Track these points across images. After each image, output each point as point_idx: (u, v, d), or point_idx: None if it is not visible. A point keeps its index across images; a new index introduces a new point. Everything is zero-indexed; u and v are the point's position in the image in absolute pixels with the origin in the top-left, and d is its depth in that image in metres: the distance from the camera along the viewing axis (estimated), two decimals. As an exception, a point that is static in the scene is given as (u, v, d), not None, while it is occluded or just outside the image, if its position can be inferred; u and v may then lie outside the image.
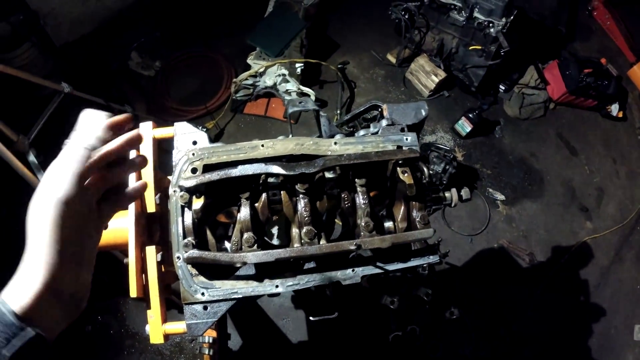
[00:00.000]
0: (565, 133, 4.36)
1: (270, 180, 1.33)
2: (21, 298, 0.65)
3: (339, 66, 4.19)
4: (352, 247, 1.18)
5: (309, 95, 3.75)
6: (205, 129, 1.43)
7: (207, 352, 2.90)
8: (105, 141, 0.83)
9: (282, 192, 1.31)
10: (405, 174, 1.29)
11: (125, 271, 1.43)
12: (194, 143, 1.40)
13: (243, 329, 3.19)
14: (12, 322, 0.60)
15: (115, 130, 0.85)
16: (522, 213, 3.90)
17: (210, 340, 2.94)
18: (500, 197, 3.90)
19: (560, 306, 3.59)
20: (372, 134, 1.43)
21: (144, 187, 0.98)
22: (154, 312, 1.40)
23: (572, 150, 4.28)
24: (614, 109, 4.40)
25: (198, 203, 1.25)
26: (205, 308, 1.29)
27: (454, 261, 3.57)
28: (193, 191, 1.26)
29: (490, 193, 3.91)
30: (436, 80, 4.07)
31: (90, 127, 0.83)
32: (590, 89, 4.21)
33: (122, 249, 1.50)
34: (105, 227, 0.91)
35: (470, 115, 3.89)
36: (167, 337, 1.42)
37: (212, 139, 1.41)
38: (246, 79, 3.73)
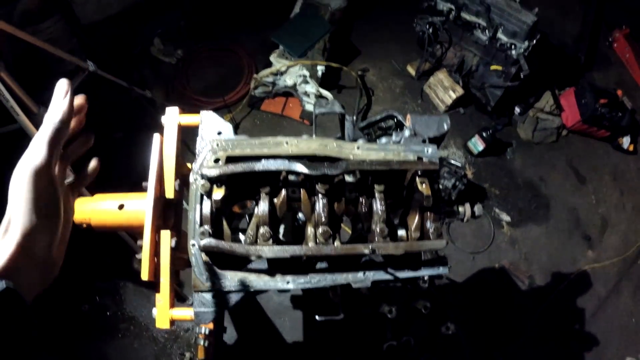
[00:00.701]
0: (575, 161, 4.36)
1: (291, 177, 1.34)
2: None
3: (359, 72, 4.22)
4: (367, 251, 1.20)
5: (327, 99, 3.77)
6: (228, 122, 1.44)
7: (202, 342, 2.91)
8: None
9: (301, 190, 1.33)
10: (424, 185, 1.31)
11: (129, 255, 1.43)
12: (219, 133, 1.42)
13: (239, 324, 3.21)
14: None
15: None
16: (526, 236, 3.90)
17: (207, 332, 2.95)
18: (505, 218, 3.91)
19: (555, 332, 3.59)
20: (394, 142, 1.45)
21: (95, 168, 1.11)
22: (163, 296, 1.41)
23: (581, 179, 4.28)
24: (626, 141, 4.40)
25: (219, 193, 1.27)
26: (214, 297, 1.31)
27: (455, 277, 3.58)
28: (214, 181, 1.28)
29: (497, 213, 3.92)
30: (454, 96, 4.09)
31: (56, 98, 0.87)
32: (604, 120, 4.22)
33: (134, 231, 1.52)
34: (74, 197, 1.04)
35: (484, 135, 3.90)
36: (172, 322, 1.43)
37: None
38: (267, 76, 3.76)
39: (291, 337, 3.24)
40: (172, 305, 1.45)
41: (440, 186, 1.70)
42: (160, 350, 3.19)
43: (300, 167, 1.25)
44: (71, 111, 0.88)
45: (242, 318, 3.23)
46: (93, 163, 1.09)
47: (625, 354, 3.63)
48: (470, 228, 3.81)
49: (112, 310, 3.27)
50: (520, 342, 3.48)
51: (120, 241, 2.71)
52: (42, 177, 0.77)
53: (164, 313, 1.43)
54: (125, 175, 3.36)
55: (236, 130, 3.78)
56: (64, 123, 0.84)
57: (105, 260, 3.31)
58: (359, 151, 1.35)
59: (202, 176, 1.29)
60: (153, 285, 1.41)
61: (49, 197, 0.79)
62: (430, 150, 1.41)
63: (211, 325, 3.02)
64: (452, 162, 3.67)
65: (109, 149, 3.67)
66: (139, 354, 3.18)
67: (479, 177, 4.06)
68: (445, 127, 1.52)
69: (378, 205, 1.32)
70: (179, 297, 3.03)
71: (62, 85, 0.88)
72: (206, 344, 2.92)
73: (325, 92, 3.77)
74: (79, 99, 0.95)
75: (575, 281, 3.80)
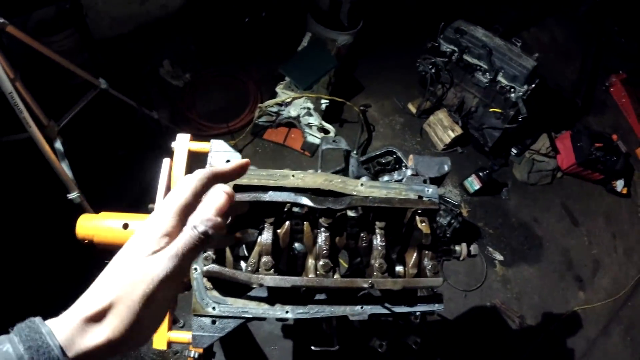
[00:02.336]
0: (569, 203, 4.43)
1: (295, 209, 1.39)
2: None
3: (361, 108, 4.31)
4: (366, 285, 1.24)
5: (328, 132, 3.84)
6: (237, 152, 1.50)
7: (191, 366, 2.90)
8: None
9: (305, 222, 1.38)
10: (424, 224, 1.36)
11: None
12: (227, 162, 1.47)
13: (229, 350, 3.19)
14: (57, 358, 0.55)
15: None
16: (518, 275, 3.94)
17: (196, 356, 2.93)
18: (499, 257, 3.95)
19: (544, 374, 3.60)
20: (396, 180, 1.51)
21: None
22: (163, 318, 1.44)
23: (574, 221, 4.35)
24: (619, 184, 4.49)
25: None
26: (213, 322, 1.33)
27: (446, 314, 3.59)
28: (221, 208, 1.33)
29: (490, 252, 3.96)
30: (452, 135, 4.17)
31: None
32: (599, 163, 4.31)
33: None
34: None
35: (481, 174, 3.98)
36: (169, 344, 1.46)
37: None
38: (272, 106, 3.83)
39: (280, 366, 3.23)
40: (169, 327, 1.48)
41: (436, 224, 1.74)
42: (149, 371, 3.16)
43: (305, 201, 1.30)
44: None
45: (232, 344, 3.21)
46: None
47: (615, 398, 3.63)
48: (464, 266, 3.84)
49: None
50: (509, 383, 3.48)
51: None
52: (170, 288, 0.65)
53: (161, 334, 1.47)
54: (126, 192, 3.42)
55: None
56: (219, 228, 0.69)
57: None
58: (363, 188, 1.40)
59: (210, 203, 1.33)
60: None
61: (163, 305, 0.66)
62: (430, 190, 1.47)
63: (201, 350, 3.01)
64: (449, 200, 3.73)
65: (112, 165, 3.71)
66: (126, 375, 3.15)
67: (474, 215, 4.12)
68: (446, 168, 1.58)
69: (378, 241, 1.36)
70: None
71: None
72: (195, 368, 2.91)
73: (327, 126, 3.84)
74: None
75: (565, 322, 3.82)
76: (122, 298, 0.61)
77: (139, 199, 3.08)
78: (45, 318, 0.61)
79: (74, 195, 2.59)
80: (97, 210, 1.70)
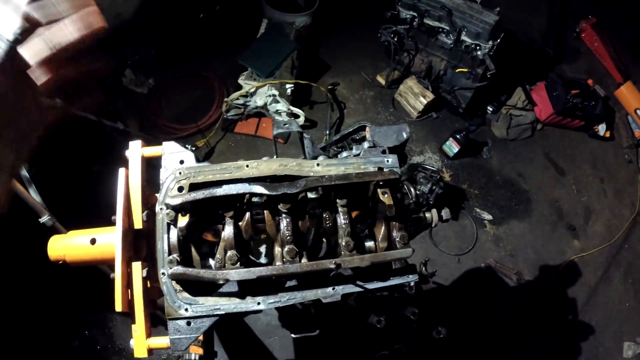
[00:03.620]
0: (552, 153, 4.42)
1: (254, 199, 1.36)
2: None
3: (329, 87, 4.27)
4: (332, 266, 1.22)
5: (298, 116, 3.80)
6: (195, 148, 1.47)
7: (193, 370, 2.90)
8: None
9: (265, 211, 1.35)
10: (386, 195, 1.33)
11: (112, 286, 1.45)
12: (181, 162, 1.43)
13: (230, 347, 3.18)
14: None
15: None
16: (510, 233, 3.94)
17: (197, 358, 2.93)
18: (487, 217, 3.94)
19: (548, 325, 3.61)
20: (354, 155, 1.48)
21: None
22: (139, 326, 1.42)
23: (560, 170, 4.34)
24: (601, 129, 4.48)
25: (183, 221, 1.29)
26: (188, 324, 1.31)
27: (442, 281, 3.60)
28: (179, 209, 1.30)
29: (478, 213, 3.95)
30: (424, 101, 4.14)
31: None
32: (577, 110, 4.30)
33: (110, 264, 1.53)
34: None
35: (458, 137, 3.95)
36: (150, 351, 1.43)
37: (203, 158, 1.45)
38: (237, 99, 3.79)
39: (283, 355, 3.23)
40: (148, 335, 1.45)
41: (418, 192, 1.72)
42: (154, 381, 3.16)
43: (259, 189, 1.27)
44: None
45: (232, 341, 3.21)
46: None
47: (623, 339, 3.65)
48: (453, 230, 3.83)
49: (102, 344, 3.24)
50: (513, 339, 3.49)
51: (102, 273, 2.69)
52: None
53: (141, 343, 1.44)
54: (102, 207, 3.37)
55: (211, 154, 3.84)
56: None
57: (90, 293, 3.28)
58: (319, 168, 1.37)
59: (167, 205, 1.30)
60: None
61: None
62: (390, 160, 1.44)
63: (201, 351, 3.00)
64: (427, 166, 3.71)
65: (87, 182, 3.66)
66: (132, 386, 3.14)
67: (457, 179, 4.10)
68: (405, 135, 1.55)
69: (341, 220, 1.33)
70: (165, 324, 3.00)
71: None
72: (198, 371, 2.90)
73: (296, 110, 3.81)
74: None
75: (564, 272, 3.84)
76: None
77: (114, 212, 3.04)
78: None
79: (45, 218, 2.56)
80: (75, 229, 1.68)
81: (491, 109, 4.44)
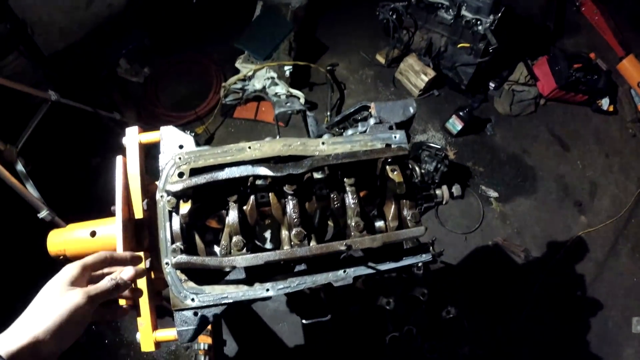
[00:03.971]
0: (556, 129, 4.36)
1: (258, 182, 1.31)
2: (9, 346, 0.83)
3: (328, 68, 4.19)
4: (342, 248, 1.17)
5: (298, 98, 3.74)
6: (195, 134, 1.41)
7: (202, 359, 2.88)
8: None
9: (270, 194, 1.29)
10: (395, 172, 1.28)
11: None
12: (181, 147, 1.38)
13: (239, 335, 3.17)
14: None
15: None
16: (516, 210, 3.89)
17: (206, 347, 2.91)
18: (493, 194, 3.89)
19: (557, 302, 3.58)
20: (360, 132, 1.42)
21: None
22: (144, 319, 1.38)
23: (564, 146, 4.28)
24: (605, 103, 4.41)
25: (185, 207, 1.24)
26: (195, 314, 1.27)
27: (449, 260, 3.56)
28: (180, 195, 1.24)
29: (484, 190, 3.90)
30: (426, 79, 4.07)
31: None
32: (580, 84, 4.22)
33: (112, 256, 1.48)
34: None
35: (461, 114, 3.89)
36: (158, 344, 1.39)
37: (202, 144, 1.39)
38: (235, 83, 3.72)
39: (292, 341, 3.21)
40: (155, 328, 1.41)
41: (423, 170, 1.67)
42: (163, 372, 3.15)
43: (264, 171, 1.21)
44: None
45: (240, 329, 3.19)
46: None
47: (632, 315, 3.63)
48: (459, 208, 3.79)
49: (109, 338, 3.22)
50: (522, 316, 3.47)
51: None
52: (83, 310, 0.96)
53: (147, 336, 1.39)
54: (103, 199, 3.33)
55: (211, 140, 3.78)
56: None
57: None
58: (324, 146, 1.31)
59: (167, 192, 1.25)
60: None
61: (70, 321, 0.93)
62: (398, 136, 1.38)
63: (210, 340, 2.98)
64: (432, 144, 3.65)
65: (86, 175, 3.62)
66: (142, 378, 3.14)
67: (461, 156, 4.05)
68: (412, 110, 1.49)
69: (350, 199, 1.28)
70: (171, 315, 2.98)
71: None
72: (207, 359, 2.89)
73: (295, 92, 3.73)
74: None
75: (571, 248, 3.80)
76: (39, 310, 0.93)
77: (113, 202, 3.03)
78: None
79: (44, 213, 2.52)
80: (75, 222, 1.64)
81: (493, 85, 4.37)
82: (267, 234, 1.99)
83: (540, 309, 3.52)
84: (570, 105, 4.48)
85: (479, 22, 3.64)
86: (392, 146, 1.34)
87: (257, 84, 3.70)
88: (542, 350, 3.41)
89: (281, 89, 3.70)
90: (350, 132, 1.44)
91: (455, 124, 3.97)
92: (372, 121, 1.41)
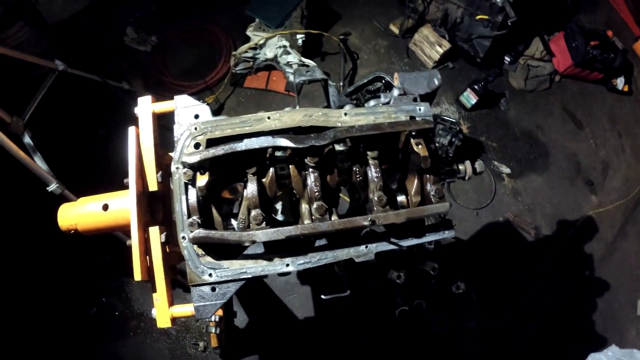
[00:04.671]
0: (570, 106, 4.27)
1: (278, 154, 1.26)
2: None
3: (341, 37, 4.08)
4: (366, 223, 1.13)
5: (307, 66, 3.66)
6: (204, 104, 1.36)
7: (213, 330, 2.89)
8: None
9: (290, 166, 1.25)
10: (420, 146, 1.23)
11: (128, 252, 1.38)
12: (196, 117, 1.33)
13: (249, 307, 3.18)
14: None
15: None
16: (528, 186, 3.85)
17: (217, 319, 2.93)
18: (505, 170, 3.84)
19: (565, 280, 3.57)
20: (384, 104, 1.37)
21: None
22: (160, 295, 1.35)
23: (578, 124, 4.20)
24: (620, 82, 4.31)
25: (203, 180, 1.20)
26: (213, 289, 1.25)
27: (460, 235, 3.54)
28: (197, 167, 1.20)
29: (496, 166, 3.85)
30: (441, 51, 3.97)
31: None
32: (596, 62, 4.11)
33: (125, 230, 1.45)
34: None
35: (476, 87, 3.81)
36: (174, 320, 1.38)
37: (214, 113, 1.35)
38: (246, 52, 3.63)
39: (302, 313, 3.21)
40: (171, 303, 1.39)
41: (437, 144, 1.62)
42: (174, 343, 3.17)
43: (285, 142, 1.17)
44: None
45: (251, 301, 3.19)
46: None
47: (638, 297, 3.63)
48: (471, 184, 3.74)
49: (120, 310, 3.23)
50: (531, 292, 3.46)
51: (117, 239, 2.65)
52: None
53: (163, 312, 1.37)
54: (111, 170, 3.31)
55: (221, 110, 3.72)
56: None
57: (105, 260, 3.26)
58: (347, 117, 1.27)
59: (183, 164, 1.21)
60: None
61: None
62: (422, 108, 1.33)
63: (221, 312, 2.99)
64: (446, 118, 3.57)
65: (95, 146, 3.58)
66: (153, 349, 3.16)
67: (474, 131, 3.98)
68: (436, 82, 1.43)
69: (373, 173, 1.24)
70: (184, 287, 2.99)
71: None
72: (218, 331, 2.91)
73: (307, 61, 3.65)
74: None
75: (581, 228, 3.76)
76: None
77: (125, 175, 3.01)
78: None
79: (53, 187, 2.47)
80: (85, 196, 1.60)
81: (509, 59, 4.26)
82: (279, 206, 1.96)
83: (548, 286, 3.51)
84: (585, 82, 4.39)
85: (497, -7, 3.52)
86: (417, 119, 1.29)
87: (268, 53, 3.62)
88: (548, 327, 3.42)
89: (293, 58, 3.61)
90: (372, 102, 1.39)
91: (469, 98, 3.89)
92: (395, 92, 1.35)
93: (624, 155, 4.14)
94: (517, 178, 3.86)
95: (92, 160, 3.50)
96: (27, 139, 2.56)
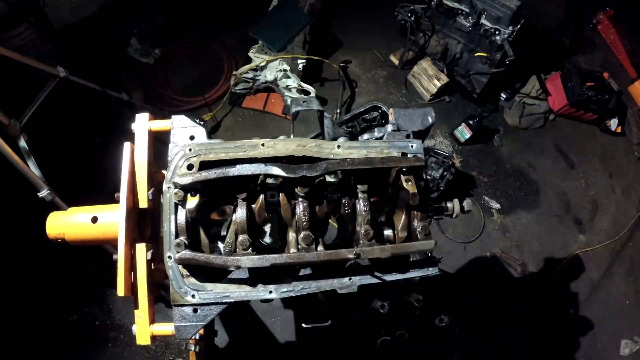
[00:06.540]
0: (563, 145, 4.34)
1: (269, 181, 1.28)
2: None
3: (341, 64, 4.15)
4: (351, 256, 1.15)
5: (309, 93, 3.70)
6: (202, 121, 1.38)
7: (192, 348, 2.85)
8: None
9: (280, 194, 1.27)
10: (409, 183, 1.25)
11: (114, 263, 1.38)
12: (192, 138, 1.35)
13: (230, 326, 3.15)
14: None
15: None
16: (517, 223, 3.87)
17: (197, 337, 2.89)
18: (495, 205, 3.87)
19: (549, 318, 3.58)
20: (377, 138, 1.39)
21: None
22: (142, 312, 1.35)
23: (570, 163, 4.26)
24: (613, 123, 4.38)
25: (193, 202, 1.21)
26: (195, 311, 1.25)
27: (447, 268, 3.55)
28: (188, 189, 1.22)
29: (486, 201, 3.88)
30: (438, 84, 4.03)
31: None
32: (591, 103, 4.18)
33: (112, 244, 1.45)
34: None
35: (471, 122, 3.86)
36: (154, 338, 1.37)
37: (209, 132, 1.36)
38: (246, 72, 3.68)
39: (283, 337, 3.19)
40: (152, 321, 1.39)
41: (428, 177, 1.64)
42: (152, 358, 3.13)
43: (277, 171, 1.18)
44: None
45: (233, 321, 3.17)
46: None
47: (621, 337, 3.64)
48: (460, 217, 3.74)
49: (100, 320, 3.20)
50: (514, 330, 3.46)
51: (103, 249, 2.64)
52: None
53: (144, 329, 1.37)
54: (104, 180, 3.30)
55: (218, 128, 3.74)
56: None
57: (89, 269, 3.23)
58: (340, 150, 1.29)
59: (175, 184, 1.22)
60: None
61: None
62: (415, 145, 1.35)
63: (202, 331, 2.96)
64: (439, 151, 3.62)
65: (90, 153, 3.59)
66: (130, 362, 3.12)
67: (467, 165, 4.02)
68: (430, 120, 1.46)
69: (361, 207, 1.26)
70: (166, 302, 2.96)
71: None
72: (197, 349, 2.86)
73: (307, 86, 3.70)
74: None
75: (568, 266, 3.78)
76: None
77: (117, 186, 3.01)
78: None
79: (44, 193, 2.45)
80: (76, 204, 1.60)
81: (505, 96, 4.33)
82: (267, 228, 1.96)
83: (533, 323, 3.52)
84: (579, 122, 4.46)
85: (497, 32, 3.60)
86: (409, 155, 1.31)
87: (268, 75, 3.66)
88: (531, 366, 3.42)
89: (293, 82, 3.66)
90: (366, 136, 1.42)
91: (463, 132, 3.94)
92: (389, 127, 1.38)
93: (614, 195, 4.19)
94: (507, 214, 3.89)
95: (86, 168, 3.49)
96: (22, 143, 2.54)
